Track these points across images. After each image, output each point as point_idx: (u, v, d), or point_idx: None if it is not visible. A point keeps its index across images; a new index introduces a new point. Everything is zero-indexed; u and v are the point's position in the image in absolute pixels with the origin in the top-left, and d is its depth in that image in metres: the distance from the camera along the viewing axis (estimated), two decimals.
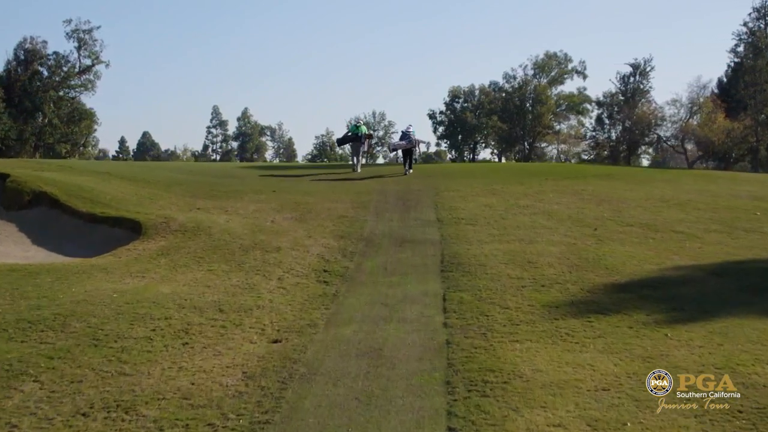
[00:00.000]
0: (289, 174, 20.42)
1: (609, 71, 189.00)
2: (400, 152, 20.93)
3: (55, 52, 57.61)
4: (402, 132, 20.57)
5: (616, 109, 69.67)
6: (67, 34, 58.36)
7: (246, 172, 21.59)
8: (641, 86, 67.02)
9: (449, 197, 14.53)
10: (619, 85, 68.42)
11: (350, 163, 22.23)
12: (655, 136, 62.89)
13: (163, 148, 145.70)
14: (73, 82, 58.31)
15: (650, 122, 63.22)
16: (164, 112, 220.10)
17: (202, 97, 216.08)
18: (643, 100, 66.38)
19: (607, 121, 71.33)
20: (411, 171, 20.06)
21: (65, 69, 57.50)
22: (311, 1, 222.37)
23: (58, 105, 56.40)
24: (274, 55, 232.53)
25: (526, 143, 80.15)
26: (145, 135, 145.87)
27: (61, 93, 56.97)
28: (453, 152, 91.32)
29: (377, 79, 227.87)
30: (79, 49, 58.61)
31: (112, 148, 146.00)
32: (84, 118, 56.97)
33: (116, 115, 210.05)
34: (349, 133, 21.01)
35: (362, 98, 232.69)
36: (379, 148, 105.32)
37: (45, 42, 58.00)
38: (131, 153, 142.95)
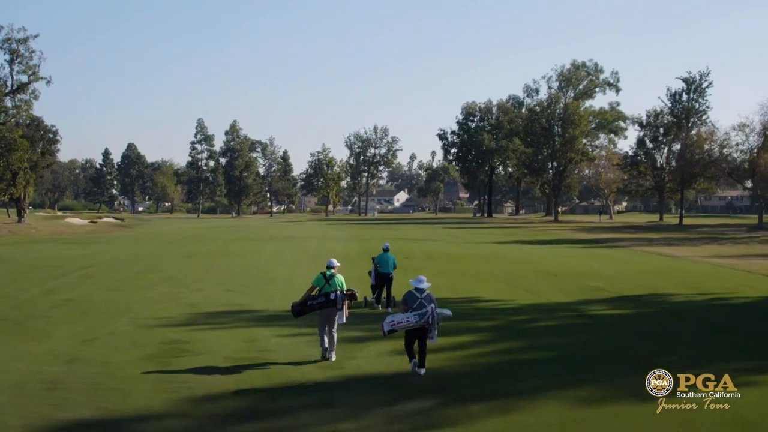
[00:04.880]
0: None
1: (647, 86, 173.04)
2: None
3: None
4: (413, 292, 8.92)
5: (662, 131, 58.38)
6: None
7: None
8: (696, 105, 55.49)
9: None
10: (668, 103, 56.91)
11: (320, 344, 10.36)
12: (720, 166, 50.92)
13: (149, 160, 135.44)
14: (3, 104, 47.45)
15: (707, 148, 51.72)
16: (150, 123, 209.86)
17: (191, 106, 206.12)
18: (698, 121, 55.00)
19: (650, 145, 60.03)
20: (423, 370, 8.83)
21: None
22: (307, 5, 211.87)
23: None
24: (268, 62, 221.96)
25: (552, 170, 68.26)
26: (130, 147, 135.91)
27: None
28: (465, 177, 79.77)
29: (380, 90, 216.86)
30: (11, 62, 47.86)
31: (97, 159, 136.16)
32: (14, 149, 45.87)
33: (99, 126, 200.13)
34: (316, 293, 9.76)
35: (363, 111, 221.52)
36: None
37: None
38: (116, 166, 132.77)
